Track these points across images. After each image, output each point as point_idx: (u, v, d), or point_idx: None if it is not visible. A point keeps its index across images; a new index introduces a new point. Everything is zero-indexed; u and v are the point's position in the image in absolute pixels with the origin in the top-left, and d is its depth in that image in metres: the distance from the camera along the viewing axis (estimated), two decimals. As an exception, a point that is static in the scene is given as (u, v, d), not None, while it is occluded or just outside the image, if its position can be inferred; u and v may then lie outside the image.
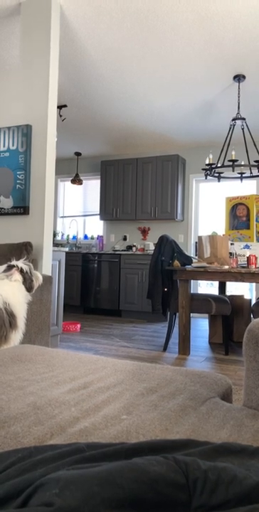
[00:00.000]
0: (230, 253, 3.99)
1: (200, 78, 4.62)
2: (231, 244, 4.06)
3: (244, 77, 4.52)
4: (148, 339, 4.73)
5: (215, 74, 4.50)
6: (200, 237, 4.21)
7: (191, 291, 5.52)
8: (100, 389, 1.19)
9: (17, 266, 2.49)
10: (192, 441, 0.78)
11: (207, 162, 4.80)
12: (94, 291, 6.65)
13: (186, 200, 7.01)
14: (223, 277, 3.80)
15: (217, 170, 4.94)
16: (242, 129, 4.68)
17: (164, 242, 4.29)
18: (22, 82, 3.57)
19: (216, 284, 6.23)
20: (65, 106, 5.48)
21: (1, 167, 3.59)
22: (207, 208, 7.02)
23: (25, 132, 3.48)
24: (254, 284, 6.52)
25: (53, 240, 7.48)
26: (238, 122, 4.93)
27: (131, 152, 7.46)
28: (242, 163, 5.03)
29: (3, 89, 4.23)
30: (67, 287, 6.81)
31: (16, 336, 2.32)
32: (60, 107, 5.49)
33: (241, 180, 5.05)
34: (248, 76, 4.52)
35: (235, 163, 4.53)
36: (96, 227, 7.71)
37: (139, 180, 6.90)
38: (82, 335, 4.83)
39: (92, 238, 7.66)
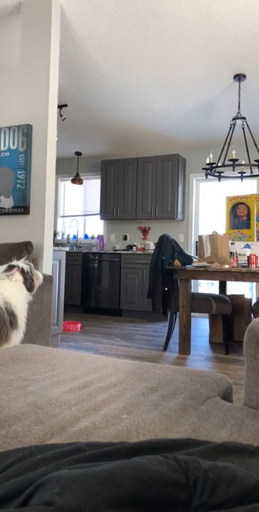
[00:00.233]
0: (231, 252, 3.99)
1: (200, 77, 4.62)
2: (232, 243, 4.06)
3: (244, 76, 4.51)
4: (148, 339, 4.73)
5: (216, 73, 4.50)
6: (200, 237, 4.21)
7: (192, 291, 5.51)
8: (101, 388, 1.19)
9: (18, 266, 2.49)
10: (192, 440, 0.78)
11: (207, 161, 4.80)
12: (95, 291, 6.65)
13: (186, 199, 7.01)
14: (223, 277, 3.80)
15: (217, 169, 4.94)
16: (243, 128, 4.68)
17: (164, 242, 4.29)
18: (22, 81, 3.57)
19: (217, 283, 6.23)
20: (65, 105, 5.48)
21: (2, 167, 3.59)
22: (207, 207, 7.02)
23: (26, 132, 3.48)
24: (254, 284, 6.52)
25: (54, 240, 7.48)
26: (239, 122, 4.92)
27: (131, 152, 7.46)
28: (243, 162, 5.03)
29: (3, 88, 4.23)
30: (67, 287, 6.81)
31: (17, 336, 2.33)
32: (60, 107, 5.49)
33: (242, 179, 5.05)
34: (249, 75, 4.52)
35: (236, 163, 4.53)
36: (96, 227, 7.71)
37: (139, 179, 6.90)
38: (82, 334, 4.84)
39: (92, 238, 7.66)
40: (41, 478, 0.60)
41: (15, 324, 2.29)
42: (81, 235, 7.78)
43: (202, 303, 4.05)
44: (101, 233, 7.58)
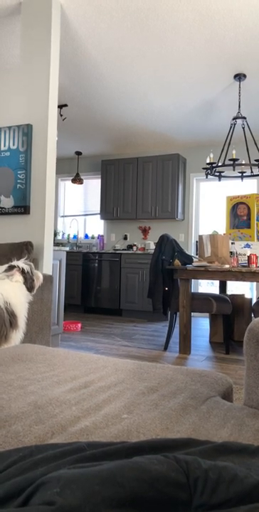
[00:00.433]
0: (231, 252, 3.99)
1: (200, 77, 4.61)
2: (232, 243, 4.06)
3: (245, 76, 4.51)
4: (148, 338, 4.73)
5: (216, 73, 4.50)
6: (200, 237, 4.21)
7: (192, 291, 5.51)
8: (101, 388, 1.19)
9: (18, 266, 2.49)
10: (193, 440, 0.78)
11: (208, 161, 4.80)
12: (95, 291, 6.65)
13: (186, 199, 7.01)
14: (223, 276, 3.79)
15: (218, 169, 4.93)
16: (243, 128, 4.68)
17: (164, 242, 4.29)
18: (23, 81, 3.57)
19: (217, 283, 6.23)
20: (65, 105, 5.48)
21: (2, 167, 3.59)
22: (208, 207, 7.02)
23: (26, 132, 3.48)
24: (254, 283, 6.52)
25: (54, 240, 7.48)
26: (239, 121, 4.92)
27: (131, 151, 7.46)
28: (243, 162, 5.02)
29: (3, 88, 4.23)
30: (67, 287, 6.81)
31: (17, 336, 2.33)
32: (60, 107, 5.49)
33: (242, 179, 5.05)
34: (249, 75, 4.51)
35: (236, 162, 4.53)
36: (96, 227, 7.71)
37: (139, 179, 6.89)
38: (82, 334, 4.84)
39: (92, 237, 7.66)
40: (41, 478, 0.60)
41: (15, 324, 2.29)
42: (81, 235, 7.79)
43: (202, 303, 4.05)
44: (101, 233, 7.58)
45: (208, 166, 4.79)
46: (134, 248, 6.89)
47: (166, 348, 4.16)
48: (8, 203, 3.55)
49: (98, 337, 4.68)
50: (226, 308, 4.02)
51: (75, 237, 7.76)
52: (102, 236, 7.37)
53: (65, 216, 8.01)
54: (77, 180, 7.43)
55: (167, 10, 3.49)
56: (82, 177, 7.66)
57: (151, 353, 3.95)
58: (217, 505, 0.57)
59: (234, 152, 4.74)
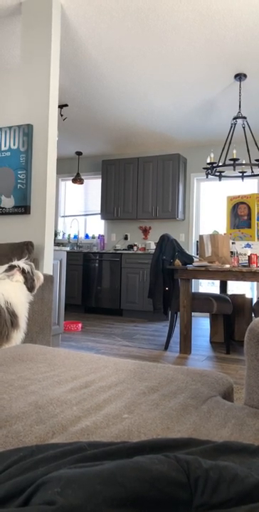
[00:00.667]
0: (232, 252, 3.99)
1: (201, 77, 4.61)
2: (232, 243, 4.06)
3: (245, 75, 4.51)
4: (149, 338, 4.73)
5: (216, 73, 4.50)
6: (201, 236, 4.21)
7: (192, 291, 5.51)
8: (102, 388, 1.19)
9: (18, 266, 2.49)
10: (193, 440, 0.78)
11: (208, 161, 4.80)
12: (96, 291, 6.65)
13: (187, 199, 7.01)
14: (224, 276, 3.79)
15: (218, 169, 4.93)
16: (244, 127, 4.67)
17: (165, 241, 4.29)
18: (23, 81, 3.57)
19: (217, 283, 6.22)
20: (66, 105, 5.48)
21: (3, 167, 3.60)
22: (208, 207, 7.01)
23: (27, 132, 3.48)
24: (255, 283, 6.51)
25: (54, 240, 7.48)
26: (239, 121, 4.92)
27: (132, 151, 7.46)
28: (244, 162, 5.02)
29: (4, 88, 4.23)
30: (68, 287, 6.81)
31: (18, 336, 2.33)
32: (61, 107, 5.49)
33: (242, 179, 5.05)
34: (249, 75, 4.51)
35: (236, 162, 4.53)
36: (97, 227, 7.71)
37: (140, 179, 6.89)
38: (83, 334, 4.84)
39: (93, 237, 7.66)
40: (42, 478, 0.60)
41: (16, 324, 2.29)
42: (82, 235, 7.79)
43: (203, 302, 4.05)
44: (102, 233, 7.58)
45: (208, 166, 4.78)
46: (135, 248, 6.89)
47: (166, 347, 4.16)
48: (8, 203, 3.55)
49: (99, 337, 4.68)
50: (227, 308, 4.01)
51: (75, 237, 7.76)
52: (103, 236, 7.37)
53: (66, 216, 8.01)
54: (77, 180, 7.43)
55: (167, 10, 3.49)
56: (82, 177, 7.66)
57: (151, 353, 3.95)
58: (218, 504, 0.58)
59: (234, 152, 4.74)
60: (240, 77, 4.51)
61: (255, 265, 3.77)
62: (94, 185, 7.77)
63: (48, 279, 3.16)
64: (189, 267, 3.91)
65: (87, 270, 6.76)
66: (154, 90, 4.99)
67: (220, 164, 4.69)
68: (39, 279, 2.60)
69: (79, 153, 7.64)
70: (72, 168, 7.93)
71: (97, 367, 1.40)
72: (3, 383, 1.20)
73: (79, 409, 1.03)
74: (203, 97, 5.13)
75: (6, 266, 2.52)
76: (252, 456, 0.73)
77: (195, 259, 4.30)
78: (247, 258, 4.00)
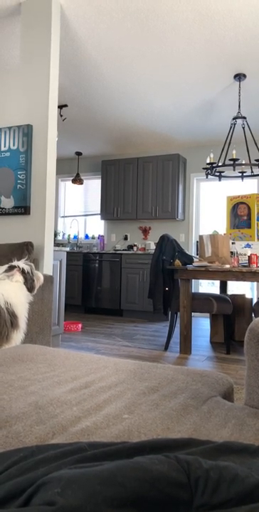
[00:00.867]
0: (232, 252, 3.99)
1: (200, 77, 4.61)
2: (232, 243, 4.06)
3: (245, 76, 4.51)
4: (149, 339, 4.73)
5: (216, 73, 4.50)
6: (201, 237, 4.21)
7: (192, 291, 5.51)
8: (102, 388, 1.19)
9: (18, 266, 2.49)
10: (194, 440, 0.78)
11: (208, 161, 4.80)
12: (96, 291, 6.65)
13: (186, 199, 7.01)
14: (224, 276, 3.79)
15: (218, 169, 4.93)
16: (243, 127, 4.67)
17: (165, 242, 4.29)
18: (22, 82, 3.57)
19: (217, 283, 6.22)
20: (65, 106, 5.48)
21: (2, 167, 3.60)
22: (208, 207, 7.01)
23: (26, 132, 3.48)
24: (255, 283, 6.51)
25: (54, 240, 7.47)
26: (239, 121, 4.92)
27: (131, 152, 7.46)
28: (243, 162, 5.02)
29: (3, 89, 4.23)
30: (68, 287, 6.81)
31: (18, 336, 2.33)
32: (60, 107, 5.49)
33: (242, 179, 5.05)
34: (249, 75, 4.51)
35: (236, 162, 4.53)
36: (97, 227, 7.71)
37: (139, 179, 6.89)
38: (83, 334, 4.84)
39: (93, 238, 7.66)
40: (42, 478, 0.60)
41: (16, 324, 2.29)
42: (82, 235, 7.79)
43: (203, 303, 4.05)
44: (101, 233, 7.58)
45: (208, 166, 4.78)
46: (135, 248, 6.89)
47: (166, 348, 4.16)
48: (8, 203, 3.55)
49: (99, 337, 4.68)
50: (227, 308, 4.01)
51: (75, 237, 7.76)
52: (103, 236, 7.37)
53: (66, 216, 8.01)
54: (77, 180, 7.43)
55: (167, 10, 3.49)
56: (82, 177, 7.66)
57: (151, 353, 3.94)
58: (218, 505, 0.57)
59: (234, 152, 4.74)
60: (239, 77, 4.51)
61: (255, 265, 3.77)
62: (94, 186, 7.78)
63: (48, 280, 3.16)
64: (189, 267, 3.91)
65: (87, 270, 6.76)
66: (154, 90, 4.99)
67: (219, 164, 4.69)
68: (39, 279, 2.60)
69: (79, 154, 7.64)
70: (72, 168, 7.93)
71: (97, 367, 1.40)
72: (3, 384, 1.20)
73: (79, 409, 1.03)
74: (203, 97, 5.13)
75: (5, 266, 2.52)
76: (253, 456, 0.73)
77: (195, 260, 4.30)
78: (247, 258, 4.00)
